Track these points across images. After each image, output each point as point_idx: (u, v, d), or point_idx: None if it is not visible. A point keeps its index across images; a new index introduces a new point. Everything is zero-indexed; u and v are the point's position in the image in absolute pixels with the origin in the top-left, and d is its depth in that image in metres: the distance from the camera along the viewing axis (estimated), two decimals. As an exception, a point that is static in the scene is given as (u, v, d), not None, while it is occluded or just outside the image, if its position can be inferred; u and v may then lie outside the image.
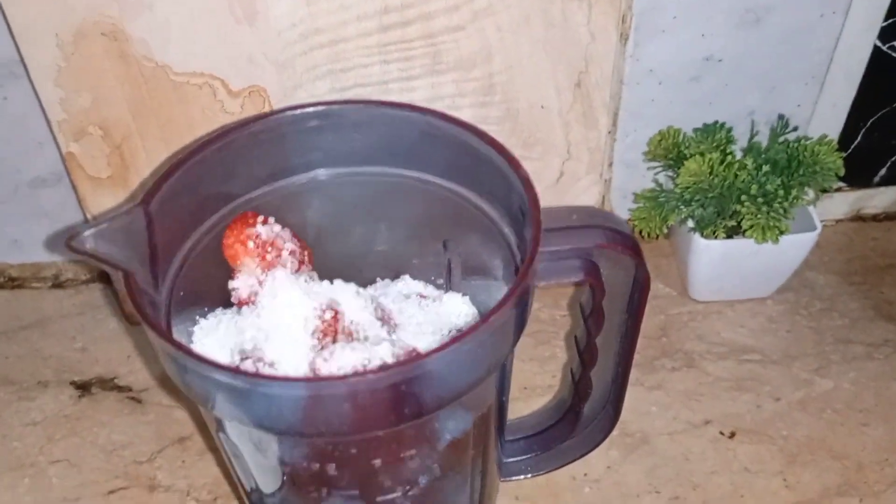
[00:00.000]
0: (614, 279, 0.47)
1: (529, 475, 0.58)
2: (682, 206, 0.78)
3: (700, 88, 0.80)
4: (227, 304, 0.51)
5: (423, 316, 0.53)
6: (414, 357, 0.36)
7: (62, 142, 0.69)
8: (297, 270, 0.50)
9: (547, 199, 0.52)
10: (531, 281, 0.40)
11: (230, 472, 0.50)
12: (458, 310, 0.54)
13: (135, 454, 0.72)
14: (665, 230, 0.78)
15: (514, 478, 0.59)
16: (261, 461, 0.44)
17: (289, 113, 0.49)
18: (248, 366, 0.46)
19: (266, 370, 0.45)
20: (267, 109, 0.66)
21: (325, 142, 0.51)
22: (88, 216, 0.74)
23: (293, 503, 0.46)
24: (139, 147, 0.70)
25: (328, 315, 0.47)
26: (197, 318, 0.49)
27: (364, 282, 0.58)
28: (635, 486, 0.69)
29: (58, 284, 0.87)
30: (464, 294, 0.56)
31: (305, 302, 0.47)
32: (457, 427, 0.43)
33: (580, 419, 0.54)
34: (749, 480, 0.69)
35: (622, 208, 0.87)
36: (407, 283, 0.57)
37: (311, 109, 0.49)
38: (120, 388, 0.77)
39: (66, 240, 0.42)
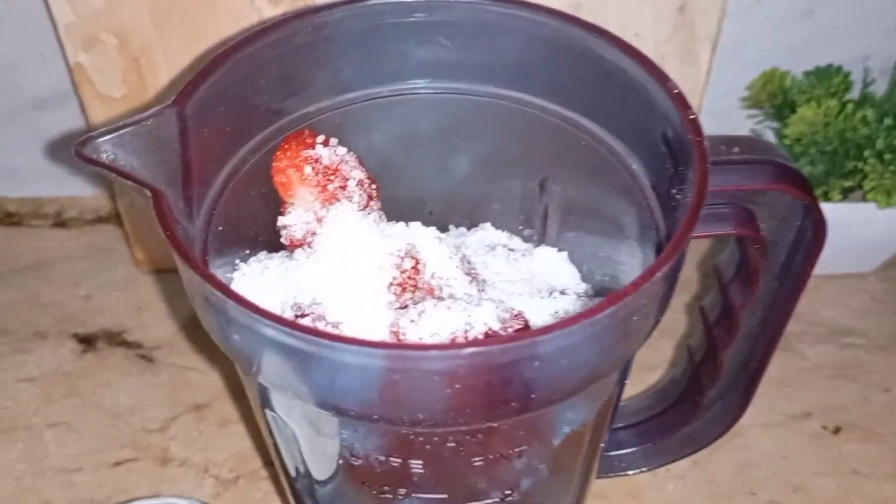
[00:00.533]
0: (769, 232, 0.37)
1: (630, 472, 0.48)
2: (786, 163, 0.67)
3: (811, 25, 0.69)
4: (274, 247, 0.41)
5: (513, 273, 0.42)
6: (558, 324, 0.25)
7: (70, 51, 0.58)
8: (365, 207, 0.39)
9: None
10: (693, 232, 0.30)
11: (270, 451, 0.40)
12: (554, 268, 0.44)
13: (144, 421, 0.62)
14: (763, 190, 0.68)
15: (610, 475, 0.49)
16: (320, 449, 0.34)
17: (362, 4, 0.38)
18: (304, 323, 0.35)
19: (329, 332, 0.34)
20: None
21: (404, 47, 0.40)
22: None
23: (354, 502, 0.36)
24: (160, 61, 0.59)
25: (407, 264, 0.36)
26: (237, 262, 0.39)
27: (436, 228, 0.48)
28: (726, 486, 0.59)
29: (60, 223, 0.77)
30: (559, 249, 0.45)
31: (379, 246, 0.36)
32: (576, 418, 0.33)
33: (699, 409, 0.44)
34: (859, 484, 0.59)
35: (709, 164, 0.75)
36: (488, 233, 0.46)
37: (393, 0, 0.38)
38: (128, 345, 0.67)
39: (75, 146, 0.31)
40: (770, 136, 0.70)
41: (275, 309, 0.37)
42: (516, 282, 0.41)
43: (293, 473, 0.39)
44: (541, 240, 0.46)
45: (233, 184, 0.38)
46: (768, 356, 0.42)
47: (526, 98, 0.41)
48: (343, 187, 0.38)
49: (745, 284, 0.38)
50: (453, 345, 0.26)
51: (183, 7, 0.56)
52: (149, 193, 0.31)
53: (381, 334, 0.33)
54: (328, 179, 0.38)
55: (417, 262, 0.37)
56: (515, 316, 0.34)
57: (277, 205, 0.40)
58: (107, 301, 0.70)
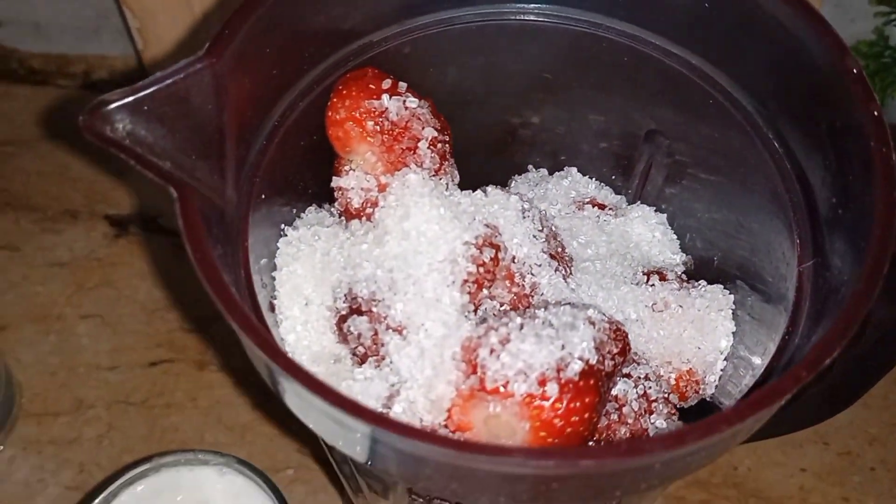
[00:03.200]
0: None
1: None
2: (916, 74, 0.57)
3: None
4: (323, 197, 0.35)
5: (604, 243, 0.36)
6: (673, 436, 0.19)
7: None
8: (438, 171, 0.32)
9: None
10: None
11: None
12: (650, 233, 0.37)
13: (182, 319, 0.58)
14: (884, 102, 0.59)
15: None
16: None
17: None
18: (360, 324, 0.30)
19: (389, 336, 0.29)
20: None
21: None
22: (125, 7, 0.56)
23: None
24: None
25: (487, 255, 0.30)
26: (282, 226, 0.33)
27: (510, 168, 0.41)
28: (797, 433, 0.54)
29: (90, 84, 0.70)
30: (656, 209, 0.38)
31: (452, 230, 0.30)
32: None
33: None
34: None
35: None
36: (574, 180, 0.39)
37: None
38: (165, 231, 0.62)
39: (82, 116, 0.25)
40: (898, 39, 0.60)
41: (325, 293, 0.31)
42: (606, 257, 0.35)
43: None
44: (637, 195, 0.39)
45: (278, 138, 0.31)
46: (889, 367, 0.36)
47: (642, 36, 0.33)
48: (413, 150, 0.31)
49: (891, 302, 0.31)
50: (544, 453, 0.21)
51: None
52: (174, 193, 0.24)
53: (453, 352, 0.28)
54: (395, 139, 0.31)
55: (498, 251, 0.30)
56: (615, 334, 0.28)
57: (330, 154, 0.34)
58: (141, 181, 0.64)
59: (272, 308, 0.30)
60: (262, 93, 0.30)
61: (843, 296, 0.23)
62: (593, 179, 0.40)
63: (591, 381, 0.26)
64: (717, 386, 0.34)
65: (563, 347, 0.26)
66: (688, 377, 0.33)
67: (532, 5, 0.34)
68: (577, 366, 0.26)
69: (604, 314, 0.29)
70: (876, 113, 0.25)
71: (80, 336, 0.58)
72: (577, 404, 0.25)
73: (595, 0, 0.33)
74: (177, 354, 0.57)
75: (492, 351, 0.26)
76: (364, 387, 0.29)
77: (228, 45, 0.26)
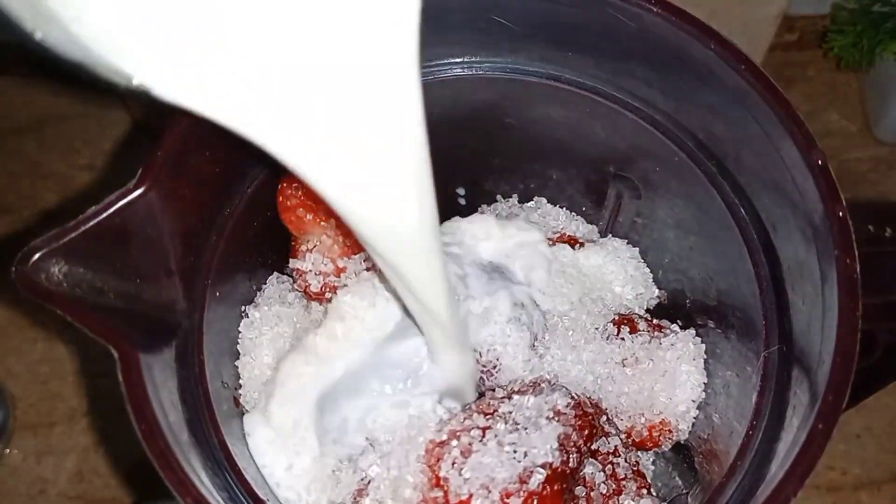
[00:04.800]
0: None
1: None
2: (906, 32, 0.55)
3: None
4: (285, 259, 0.34)
5: (575, 288, 0.35)
6: None
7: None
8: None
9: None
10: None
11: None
12: (622, 272, 0.36)
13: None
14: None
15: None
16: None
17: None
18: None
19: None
20: None
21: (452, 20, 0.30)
22: None
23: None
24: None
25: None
26: (243, 307, 0.32)
27: (479, 196, 0.40)
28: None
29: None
30: (628, 241, 0.37)
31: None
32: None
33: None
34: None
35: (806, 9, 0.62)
36: (545, 212, 0.38)
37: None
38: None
39: (15, 267, 0.24)
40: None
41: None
42: (578, 307, 0.34)
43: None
44: (608, 227, 0.38)
45: (228, 230, 0.30)
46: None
47: (603, 88, 0.31)
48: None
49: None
50: None
51: None
52: (115, 353, 0.24)
53: (417, 455, 0.28)
54: (351, 225, 0.30)
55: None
56: (581, 422, 0.28)
57: (284, 228, 0.32)
58: (113, 173, 0.63)
59: (237, 403, 0.30)
60: (207, 196, 0.28)
61: (807, 418, 0.23)
62: (563, 209, 0.39)
63: (556, 487, 0.26)
64: (690, 431, 0.34)
65: (525, 455, 0.26)
66: (661, 427, 0.33)
67: (457, 59, 0.31)
68: (540, 476, 0.26)
69: (570, 396, 0.29)
70: (840, 214, 0.24)
71: (66, 343, 0.58)
72: (542, 514, 0.25)
73: (548, 53, 0.31)
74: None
75: (454, 464, 0.26)
76: (335, 480, 0.29)
77: (162, 169, 0.25)
